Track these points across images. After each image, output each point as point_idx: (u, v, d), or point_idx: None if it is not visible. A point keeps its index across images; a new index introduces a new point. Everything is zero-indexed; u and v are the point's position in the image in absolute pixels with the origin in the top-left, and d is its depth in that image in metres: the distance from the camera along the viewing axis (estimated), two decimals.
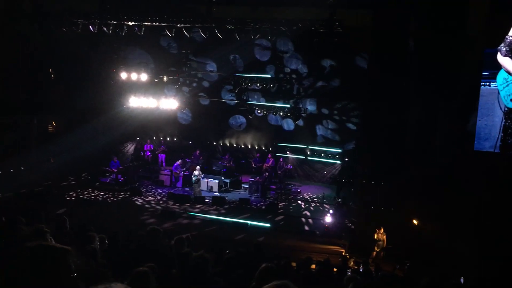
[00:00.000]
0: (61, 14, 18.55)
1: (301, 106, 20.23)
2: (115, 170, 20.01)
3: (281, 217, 17.14)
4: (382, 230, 14.63)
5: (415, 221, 15.95)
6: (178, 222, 15.83)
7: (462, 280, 10.13)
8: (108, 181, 20.22)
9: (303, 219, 17.08)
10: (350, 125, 21.68)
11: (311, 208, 18.57)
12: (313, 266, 9.15)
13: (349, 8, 17.68)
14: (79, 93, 20.94)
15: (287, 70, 21.08)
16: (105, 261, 5.47)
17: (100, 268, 4.95)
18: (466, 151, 16.88)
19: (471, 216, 14.50)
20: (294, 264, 10.42)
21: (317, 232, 15.51)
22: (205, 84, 22.88)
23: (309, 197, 20.15)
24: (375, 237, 14.59)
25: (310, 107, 21.77)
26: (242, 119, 22.96)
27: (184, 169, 20.31)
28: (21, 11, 19.32)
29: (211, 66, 22.37)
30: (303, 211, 18.19)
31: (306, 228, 16.11)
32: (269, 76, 20.64)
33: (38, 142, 20.41)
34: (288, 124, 22.41)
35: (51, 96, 21.57)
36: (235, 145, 23.46)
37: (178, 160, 20.32)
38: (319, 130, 22.10)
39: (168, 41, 21.18)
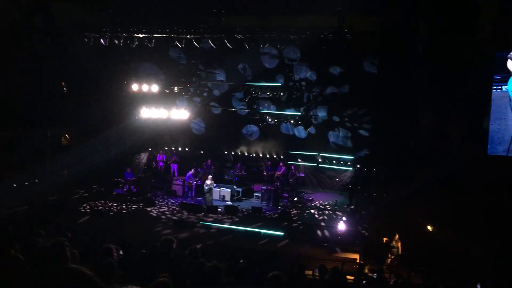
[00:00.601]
0: (72, 28, 18.83)
1: (311, 113, 20.22)
2: (128, 181, 20.14)
3: (294, 225, 17.08)
4: (397, 237, 14.51)
5: (429, 227, 15.81)
6: (191, 232, 15.86)
7: (479, 286, 10.01)
8: (121, 192, 20.34)
9: (316, 227, 17.00)
10: (362, 132, 21.61)
11: (324, 215, 18.48)
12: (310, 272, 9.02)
13: (358, 14, 17.69)
14: (92, 106, 21.17)
15: (297, 78, 21.09)
16: (121, 272, 5.51)
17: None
18: (479, 155, 16.74)
19: (486, 220, 14.34)
20: (309, 272, 10.39)
21: (331, 239, 15.42)
22: (216, 93, 23.02)
23: (322, 204, 20.07)
24: (391, 244, 14.46)
25: (321, 114, 21.75)
26: (253, 128, 23.00)
27: (197, 179, 20.37)
28: (33, 26, 19.63)
29: (221, 76, 22.49)
30: (316, 218, 18.11)
31: (319, 235, 16.03)
32: (279, 84, 20.68)
33: (51, 154, 20.62)
34: (299, 132, 22.39)
35: (64, 109, 21.84)
36: (246, 154, 23.48)
37: (191, 170, 20.38)
38: (331, 137, 22.05)
39: (177, 52, 21.35)
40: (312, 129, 20.77)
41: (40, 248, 3.80)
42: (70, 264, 2.39)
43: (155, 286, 4.02)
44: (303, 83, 21.45)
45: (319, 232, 16.42)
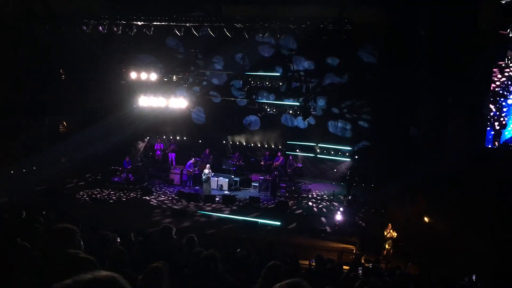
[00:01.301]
0: (71, 15, 18.69)
1: (310, 104, 20.20)
2: (126, 170, 20.15)
3: (291, 215, 17.13)
4: (390, 226, 14.61)
5: (426, 218, 15.88)
6: (188, 221, 15.90)
7: (474, 277, 10.08)
8: (119, 180, 20.36)
9: (313, 217, 17.06)
10: (361, 123, 21.64)
11: (322, 206, 18.55)
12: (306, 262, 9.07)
13: (358, 4, 17.59)
14: (90, 94, 21.11)
15: (296, 68, 21.05)
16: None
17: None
18: (478, 147, 16.80)
19: (482, 212, 14.41)
20: (305, 262, 10.44)
21: (328, 230, 15.49)
22: (215, 81, 23.00)
23: (319, 195, 20.13)
24: (385, 234, 14.57)
25: (320, 104, 21.76)
26: (251, 118, 23.00)
27: (196, 168, 20.38)
28: (32, 13, 19.49)
29: (219, 65, 22.45)
30: (313, 209, 18.17)
31: (317, 226, 16.09)
32: (278, 74, 20.64)
33: (49, 142, 20.60)
34: (298, 122, 22.39)
35: (62, 96, 21.77)
36: (244, 144, 23.49)
37: (191, 159, 20.38)
38: (330, 128, 22.09)
39: (176, 41, 21.26)
40: (311, 120, 20.75)
41: (52, 232, 3.80)
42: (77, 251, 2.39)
43: (148, 271, 4.05)
44: (302, 73, 21.41)
45: (316, 222, 16.47)
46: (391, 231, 14.57)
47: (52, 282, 1.80)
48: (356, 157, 20.30)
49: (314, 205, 18.69)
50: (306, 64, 21.73)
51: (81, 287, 1.71)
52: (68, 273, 2.14)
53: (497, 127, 17.17)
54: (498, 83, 17.18)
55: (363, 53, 20.65)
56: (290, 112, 20.40)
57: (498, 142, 17.14)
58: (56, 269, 2.27)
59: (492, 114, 17.28)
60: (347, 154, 21.40)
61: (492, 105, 17.31)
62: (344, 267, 9.63)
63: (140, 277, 4.06)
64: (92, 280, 1.74)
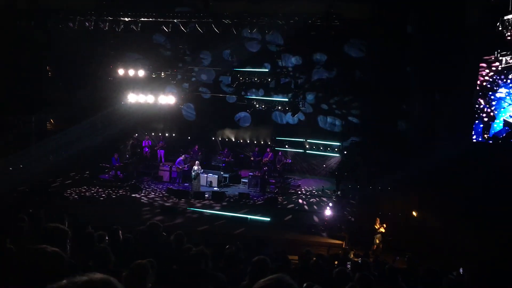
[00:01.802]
0: (57, 11, 18.47)
1: (299, 100, 20.21)
2: (115, 167, 20.01)
3: (280, 211, 17.15)
4: (378, 221, 14.71)
5: (414, 213, 15.99)
6: (177, 218, 15.85)
7: (461, 271, 10.17)
8: (107, 177, 20.22)
9: (303, 213, 17.10)
10: (351, 118, 21.71)
11: (311, 201, 18.59)
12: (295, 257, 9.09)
13: (347, 0, 17.65)
14: (77, 91, 20.90)
15: (284, 64, 21.05)
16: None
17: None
18: (466, 141, 16.95)
19: (470, 207, 14.54)
20: (295, 257, 10.45)
21: (318, 225, 15.53)
22: (204, 77, 22.93)
23: (309, 190, 20.18)
24: (375, 228, 14.67)
25: (309, 100, 21.79)
26: (240, 114, 22.95)
27: (185, 165, 20.30)
28: (16, 9, 19.22)
29: (207, 61, 22.40)
30: (303, 204, 18.21)
31: (306, 221, 16.12)
32: (266, 70, 20.62)
33: (37, 140, 20.38)
34: (288, 119, 22.41)
35: (49, 94, 21.53)
36: (233, 140, 23.44)
37: (181, 156, 20.29)
38: (319, 123, 22.14)
39: (164, 37, 21.14)
40: (300, 115, 20.77)
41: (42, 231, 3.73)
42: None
43: (133, 268, 4.02)
44: (291, 69, 21.43)
45: (306, 218, 16.50)
46: (379, 225, 14.66)
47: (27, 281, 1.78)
48: (345, 152, 20.37)
49: (303, 200, 18.74)
50: (294, 60, 21.74)
51: None
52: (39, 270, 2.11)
53: (486, 119, 17.35)
54: (486, 77, 17.35)
55: (352, 49, 20.70)
56: (279, 108, 20.40)
57: (488, 134, 17.32)
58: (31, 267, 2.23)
59: (481, 107, 17.45)
60: (336, 149, 21.44)
61: (481, 99, 17.48)
62: (335, 262, 9.68)
63: (124, 273, 4.03)
64: (87, 282, 1.73)
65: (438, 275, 5.34)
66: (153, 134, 24.08)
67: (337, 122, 22.00)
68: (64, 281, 1.74)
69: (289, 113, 20.57)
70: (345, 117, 21.84)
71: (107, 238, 7.25)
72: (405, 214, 15.96)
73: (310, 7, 17.21)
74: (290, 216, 16.53)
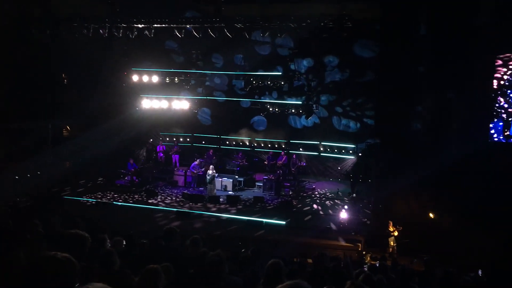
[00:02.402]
0: (71, 19, 18.73)
1: (312, 103, 20.20)
2: (130, 172, 20.16)
3: (296, 214, 17.10)
4: (391, 223, 14.60)
5: (431, 214, 15.82)
6: (193, 222, 15.91)
7: (480, 273, 10.04)
8: (123, 183, 20.37)
9: (318, 216, 17.04)
10: (365, 120, 21.63)
11: (326, 204, 18.51)
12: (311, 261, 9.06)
13: (357, 0, 17.59)
14: (92, 97, 21.13)
15: (297, 67, 21.04)
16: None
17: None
18: (482, 141, 16.72)
19: (488, 207, 14.34)
20: (310, 261, 10.42)
21: (333, 228, 15.46)
22: (217, 81, 23.07)
23: (324, 193, 20.09)
24: (388, 232, 14.54)
25: (323, 103, 21.77)
26: (255, 118, 23.00)
27: (200, 169, 20.36)
28: (32, 18, 19.54)
29: (219, 65, 22.54)
30: (318, 207, 18.14)
31: (321, 224, 16.06)
32: (279, 73, 20.65)
33: (53, 146, 20.63)
34: (303, 122, 22.39)
35: (64, 100, 21.83)
36: (247, 143, 23.49)
37: (196, 160, 20.36)
38: (334, 126, 22.10)
39: (176, 43, 21.33)
40: (315, 118, 20.77)
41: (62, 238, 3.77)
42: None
43: (145, 273, 4.04)
44: (303, 72, 21.42)
45: (321, 221, 16.45)
46: (392, 228, 14.54)
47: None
48: (360, 154, 20.26)
49: (318, 203, 18.66)
50: (306, 63, 21.73)
51: None
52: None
53: (506, 118, 17.07)
54: (505, 76, 17.09)
55: (364, 50, 20.62)
56: (293, 111, 20.40)
57: (508, 132, 17.03)
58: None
59: (501, 105, 17.17)
60: (350, 151, 21.36)
61: (501, 97, 17.22)
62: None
63: (136, 278, 4.05)
64: None
65: (455, 277, 5.28)
66: (167, 139, 24.25)
67: (352, 124, 21.93)
68: None
69: (304, 117, 20.59)
70: (359, 118, 21.76)
71: (124, 243, 7.33)
72: (421, 216, 15.79)
73: (321, 10, 17.21)
74: (305, 219, 16.48)
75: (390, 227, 14.59)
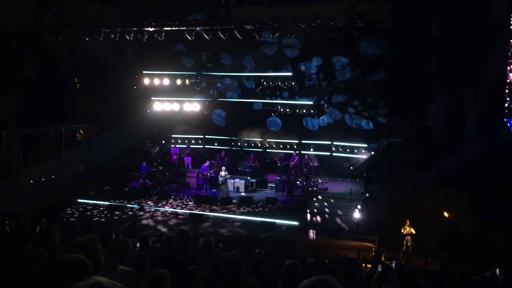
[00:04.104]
0: (83, 25, 18.93)
1: (323, 102, 20.15)
2: (143, 175, 20.25)
3: (308, 214, 17.05)
4: (408, 223, 14.47)
5: (446, 213, 15.67)
6: (206, 224, 15.95)
7: (497, 271, 9.89)
8: (136, 185, 20.48)
9: (331, 216, 16.96)
10: (378, 119, 21.53)
11: (339, 204, 18.41)
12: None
13: (368, 1, 17.53)
14: (105, 101, 21.34)
15: (307, 67, 21.01)
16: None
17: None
18: (497, 140, 16.52)
19: (504, 205, 14.16)
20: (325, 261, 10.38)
21: (346, 228, 15.38)
22: (228, 81, 23.15)
23: (337, 193, 19.99)
24: (402, 231, 14.43)
25: (334, 102, 21.72)
26: (269, 119, 23.00)
27: (212, 171, 20.39)
28: (45, 24, 19.77)
29: (228, 64, 22.65)
30: (331, 207, 18.05)
31: (335, 224, 15.98)
32: (290, 74, 20.63)
33: (67, 150, 20.84)
34: (312, 122, 22.32)
35: (77, 105, 22.07)
36: (259, 145, 23.49)
37: (206, 162, 20.40)
38: (346, 125, 22.04)
39: (186, 46, 21.49)
40: (328, 119, 20.72)
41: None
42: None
43: (151, 277, 4.04)
44: (314, 72, 21.39)
45: (334, 221, 16.37)
46: (409, 227, 14.42)
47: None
48: (373, 153, 20.16)
49: (331, 203, 18.57)
50: (316, 63, 21.69)
51: None
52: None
53: None
54: None
55: (375, 49, 20.52)
56: (304, 111, 20.37)
57: None
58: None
59: None
60: (363, 151, 21.25)
61: None
62: (364, 265, 9.56)
63: (142, 282, 4.06)
64: (95, 284, 1.76)
65: (468, 276, 5.20)
66: (179, 141, 24.36)
67: (364, 123, 21.84)
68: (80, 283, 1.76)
69: (316, 117, 20.56)
70: (372, 118, 21.66)
71: (138, 245, 7.36)
72: (436, 215, 15.64)
73: (331, 9, 17.17)
74: (318, 220, 16.43)
75: (407, 226, 14.46)
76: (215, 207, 17.69)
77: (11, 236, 5.59)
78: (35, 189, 17.91)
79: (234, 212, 17.16)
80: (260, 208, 17.65)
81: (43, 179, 19.15)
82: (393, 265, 10.58)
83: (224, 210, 17.35)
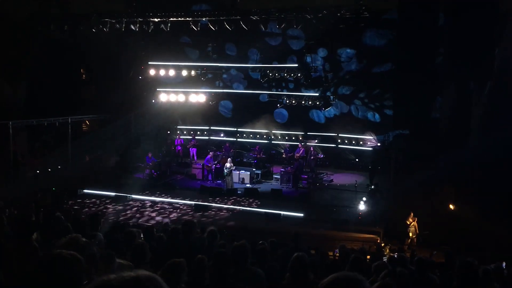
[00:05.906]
0: (89, 15, 18.92)
1: (329, 94, 20.07)
2: (149, 166, 20.29)
3: (314, 206, 17.04)
4: (412, 215, 14.45)
5: (451, 206, 15.62)
6: (210, 215, 16.00)
7: (504, 265, 9.86)
8: (142, 176, 20.51)
9: (336, 208, 16.94)
10: (383, 111, 21.46)
11: (344, 196, 18.38)
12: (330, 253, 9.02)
13: None
14: (110, 92, 21.36)
15: (313, 58, 20.90)
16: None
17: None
18: (504, 132, 16.39)
19: (509, 198, 14.10)
20: (330, 253, 10.39)
21: (351, 220, 15.36)
22: (233, 72, 23.12)
23: (342, 185, 19.96)
24: (407, 223, 14.43)
25: (340, 94, 21.64)
26: (272, 110, 22.96)
27: (216, 162, 20.39)
28: (50, 15, 19.77)
29: (233, 54, 22.63)
30: (336, 199, 18.03)
31: (340, 216, 15.97)
32: (296, 65, 20.54)
33: (73, 141, 20.92)
34: (319, 114, 22.27)
35: (83, 96, 22.11)
36: (265, 136, 23.48)
37: (209, 153, 20.40)
38: (352, 117, 21.99)
39: (191, 36, 21.42)
40: (330, 110, 20.64)
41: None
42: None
43: (167, 267, 4.05)
44: (320, 63, 21.29)
45: (339, 213, 16.36)
46: (412, 219, 14.41)
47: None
48: (379, 145, 20.10)
49: (336, 195, 18.55)
50: (322, 54, 21.58)
51: (123, 284, 1.73)
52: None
53: None
54: None
55: (381, 40, 20.40)
56: (310, 103, 20.31)
57: None
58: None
59: None
60: (369, 143, 21.19)
61: None
62: (369, 257, 9.56)
63: (159, 272, 4.07)
64: (135, 278, 1.76)
65: (474, 267, 5.19)
66: (185, 132, 24.38)
67: (370, 115, 21.77)
68: (113, 275, 1.76)
69: (326, 110, 20.54)
70: (377, 109, 21.58)
71: (142, 236, 7.39)
72: (441, 208, 15.60)
73: (337, 0, 17.07)
74: (323, 211, 16.41)
75: (410, 218, 14.45)
76: (221, 198, 17.73)
77: (16, 225, 5.62)
78: (41, 180, 18.01)
79: (239, 203, 17.18)
80: (265, 199, 17.63)
81: (49, 170, 19.25)
82: (396, 256, 10.57)
83: (230, 201, 17.38)
